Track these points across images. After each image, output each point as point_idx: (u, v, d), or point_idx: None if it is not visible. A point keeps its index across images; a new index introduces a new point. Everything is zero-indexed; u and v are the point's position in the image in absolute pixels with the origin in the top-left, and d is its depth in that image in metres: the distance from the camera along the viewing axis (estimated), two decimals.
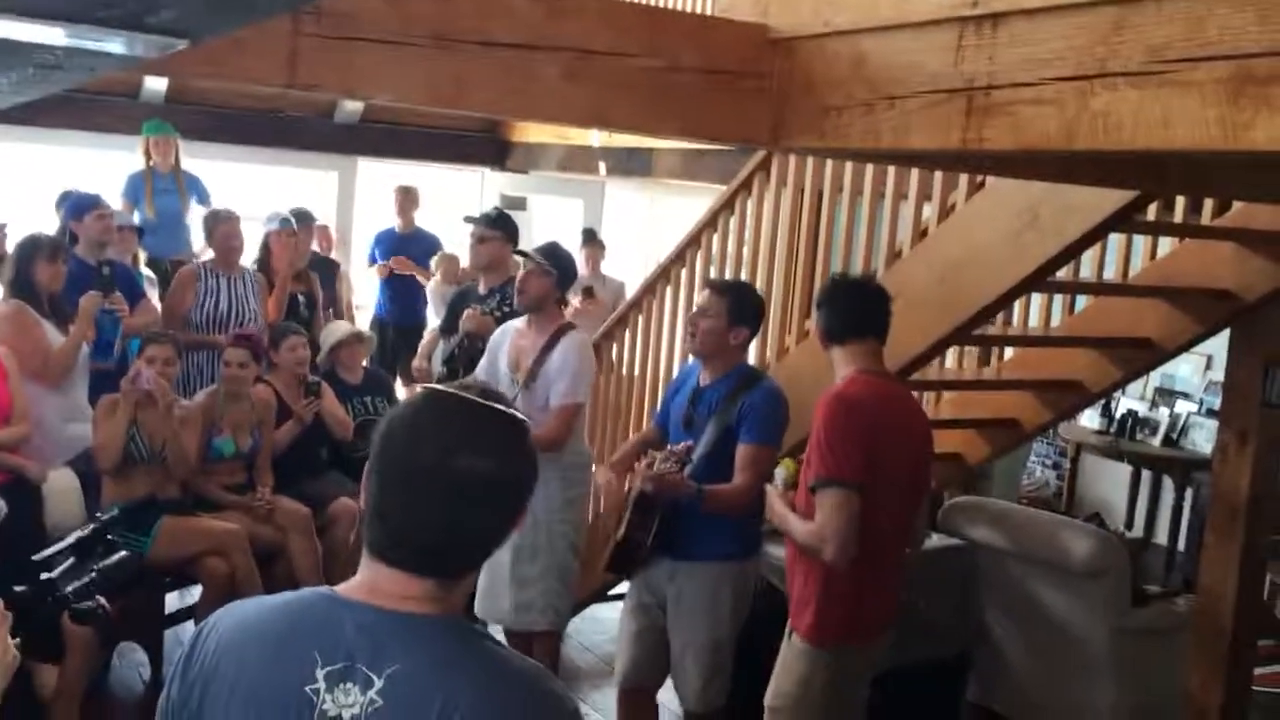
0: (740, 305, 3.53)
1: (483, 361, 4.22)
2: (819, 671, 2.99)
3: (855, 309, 3.06)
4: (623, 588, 4.38)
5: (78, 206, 5.05)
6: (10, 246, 4.92)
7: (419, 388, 1.43)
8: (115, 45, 1.41)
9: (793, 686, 3.03)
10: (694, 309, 3.76)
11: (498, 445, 1.36)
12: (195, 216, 6.45)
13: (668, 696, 3.78)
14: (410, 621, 1.33)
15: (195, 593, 4.72)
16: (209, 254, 5.61)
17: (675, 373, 4.76)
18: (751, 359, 4.39)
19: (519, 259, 4.27)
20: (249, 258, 5.67)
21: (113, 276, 4.90)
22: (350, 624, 1.32)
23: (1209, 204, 3.90)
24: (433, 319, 7.26)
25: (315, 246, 6.83)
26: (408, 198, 7.58)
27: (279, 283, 5.57)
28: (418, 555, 1.34)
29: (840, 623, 2.96)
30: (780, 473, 3.14)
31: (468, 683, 1.30)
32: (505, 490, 1.37)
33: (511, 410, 1.39)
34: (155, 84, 7.70)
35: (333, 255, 7.22)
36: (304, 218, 6.34)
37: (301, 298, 5.72)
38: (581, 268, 7.54)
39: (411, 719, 1.28)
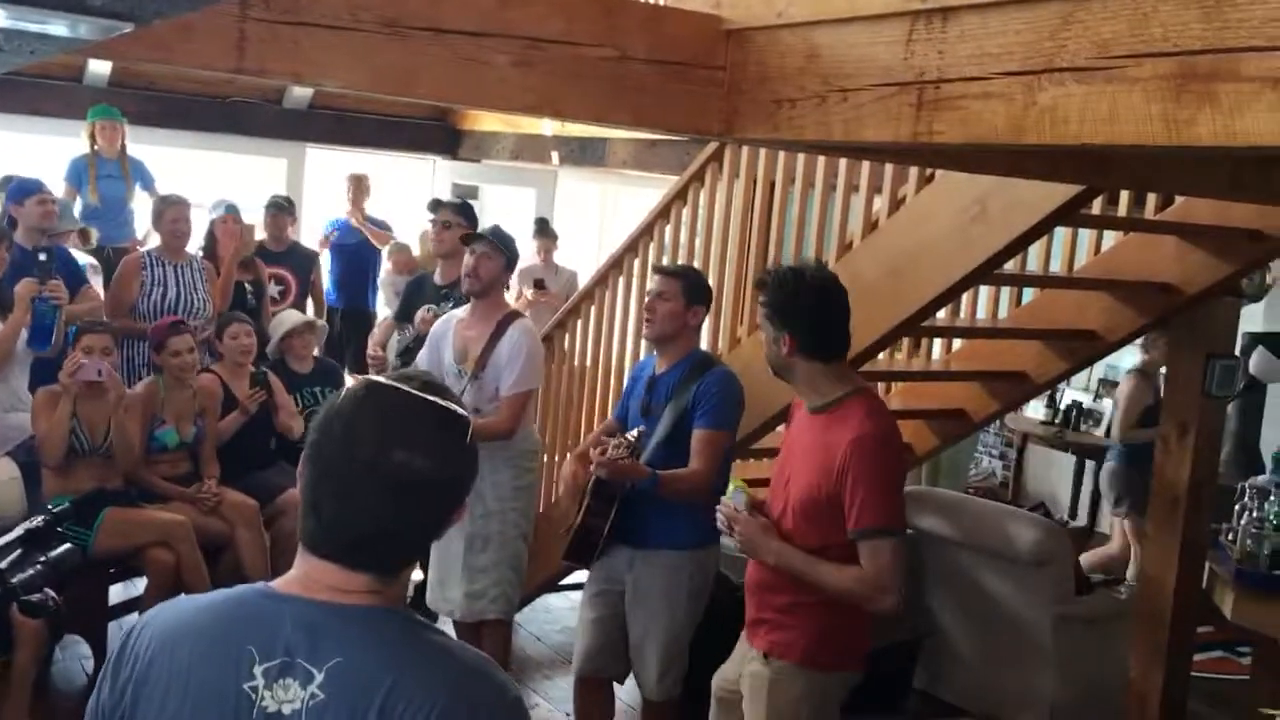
0: (694, 286, 3.59)
1: (423, 353, 4.18)
2: (814, 693, 2.85)
3: (844, 319, 2.80)
4: (575, 577, 4.40)
5: (19, 191, 4.96)
6: None
7: (363, 378, 1.41)
8: (58, 27, 1.38)
9: (787, 711, 2.84)
10: (646, 296, 3.76)
11: (436, 442, 1.34)
12: (139, 203, 6.35)
13: (622, 686, 3.78)
14: (349, 613, 1.31)
15: (140, 585, 4.66)
16: (154, 240, 5.52)
17: (629, 362, 4.77)
18: (704, 349, 4.41)
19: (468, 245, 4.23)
20: (195, 245, 5.59)
21: (52, 262, 4.81)
22: (287, 619, 1.31)
23: (1152, 199, 3.97)
24: (382, 307, 7.22)
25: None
26: (359, 186, 7.52)
27: (224, 271, 5.50)
28: (352, 550, 1.33)
29: (843, 647, 2.86)
30: (740, 498, 2.85)
31: (410, 673, 1.28)
32: (442, 487, 1.36)
33: (452, 405, 1.37)
34: (99, 67, 7.57)
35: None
36: (282, 205, 6.30)
37: (249, 287, 5.65)
38: (533, 258, 7.54)
39: (354, 711, 1.26)
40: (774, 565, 2.81)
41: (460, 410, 1.38)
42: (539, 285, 7.19)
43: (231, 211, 5.71)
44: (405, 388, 1.35)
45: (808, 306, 2.77)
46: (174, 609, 1.39)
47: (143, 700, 1.32)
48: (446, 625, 3.92)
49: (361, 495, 1.32)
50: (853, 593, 2.71)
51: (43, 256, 4.76)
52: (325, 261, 7.18)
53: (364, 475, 1.31)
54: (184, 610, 1.37)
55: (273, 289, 6.00)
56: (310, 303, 6.36)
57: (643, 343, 4.55)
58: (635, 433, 3.44)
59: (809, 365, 2.78)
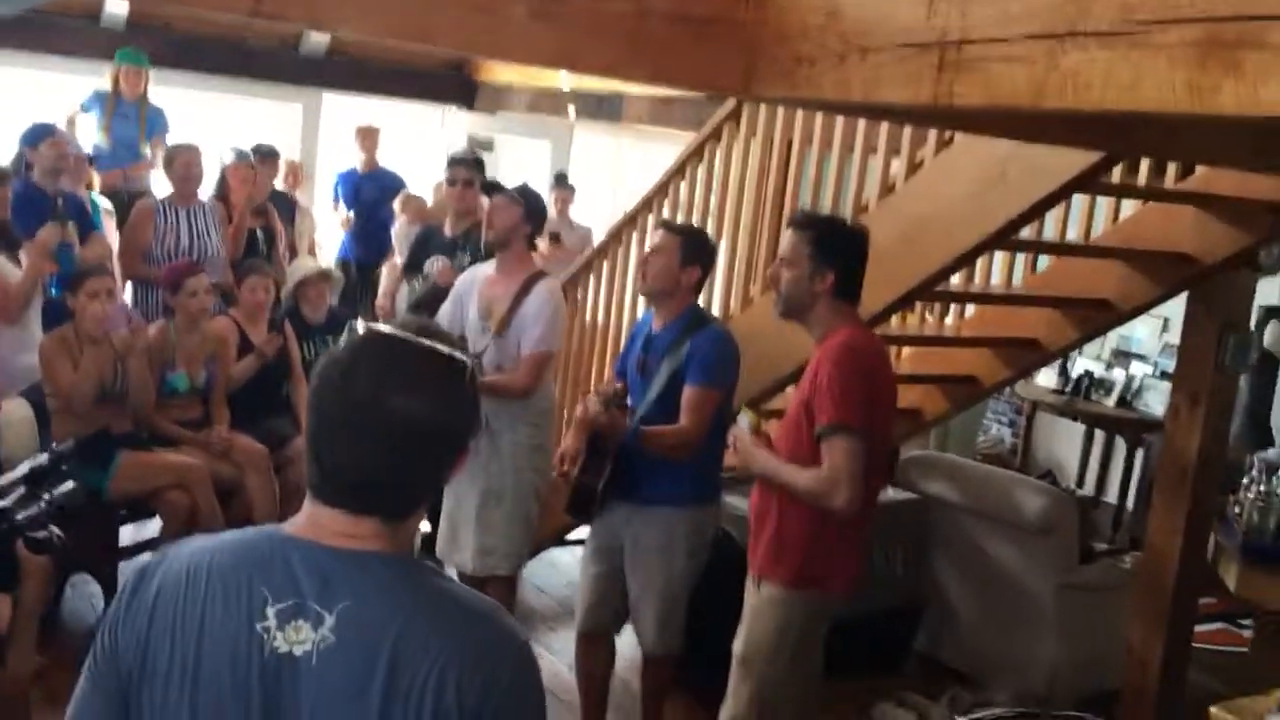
0: (693, 245, 3.55)
1: (446, 306, 4.18)
2: (796, 616, 2.99)
3: (864, 266, 3.01)
4: (580, 533, 4.42)
5: (34, 134, 4.97)
6: None
7: (361, 325, 1.41)
8: None
9: (766, 634, 3.00)
10: (645, 250, 3.77)
11: (433, 386, 1.34)
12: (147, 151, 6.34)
13: (623, 641, 3.82)
14: (358, 558, 1.33)
15: (151, 526, 4.71)
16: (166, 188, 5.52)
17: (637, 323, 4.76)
18: (716, 309, 4.40)
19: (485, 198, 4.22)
20: (208, 191, 5.60)
21: (66, 207, 4.82)
22: (298, 562, 1.32)
23: (1172, 168, 3.93)
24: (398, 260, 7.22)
25: (282, 183, 6.75)
26: (368, 138, 7.49)
27: (236, 217, 5.50)
28: (354, 494, 1.34)
29: (824, 568, 2.96)
30: (744, 420, 3.09)
31: (419, 618, 1.30)
32: (442, 432, 1.36)
33: (451, 350, 1.37)
34: (117, 8, 7.52)
35: (297, 192, 7.13)
36: (268, 154, 6.26)
37: (260, 233, 5.66)
38: (550, 211, 7.51)
39: (364, 655, 1.28)
40: (759, 473, 3.01)
41: (459, 355, 1.37)
42: (554, 239, 7.17)
43: (245, 158, 5.70)
44: (402, 334, 1.35)
45: (853, 250, 2.98)
46: (187, 549, 1.40)
47: (155, 636, 1.33)
48: (452, 574, 3.95)
49: (361, 441, 1.32)
50: (811, 491, 2.86)
51: (59, 202, 4.78)
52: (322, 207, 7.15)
53: (363, 422, 1.32)
54: (199, 550, 1.39)
55: None
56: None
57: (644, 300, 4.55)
58: (617, 386, 3.45)
59: (831, 303, 2.95)
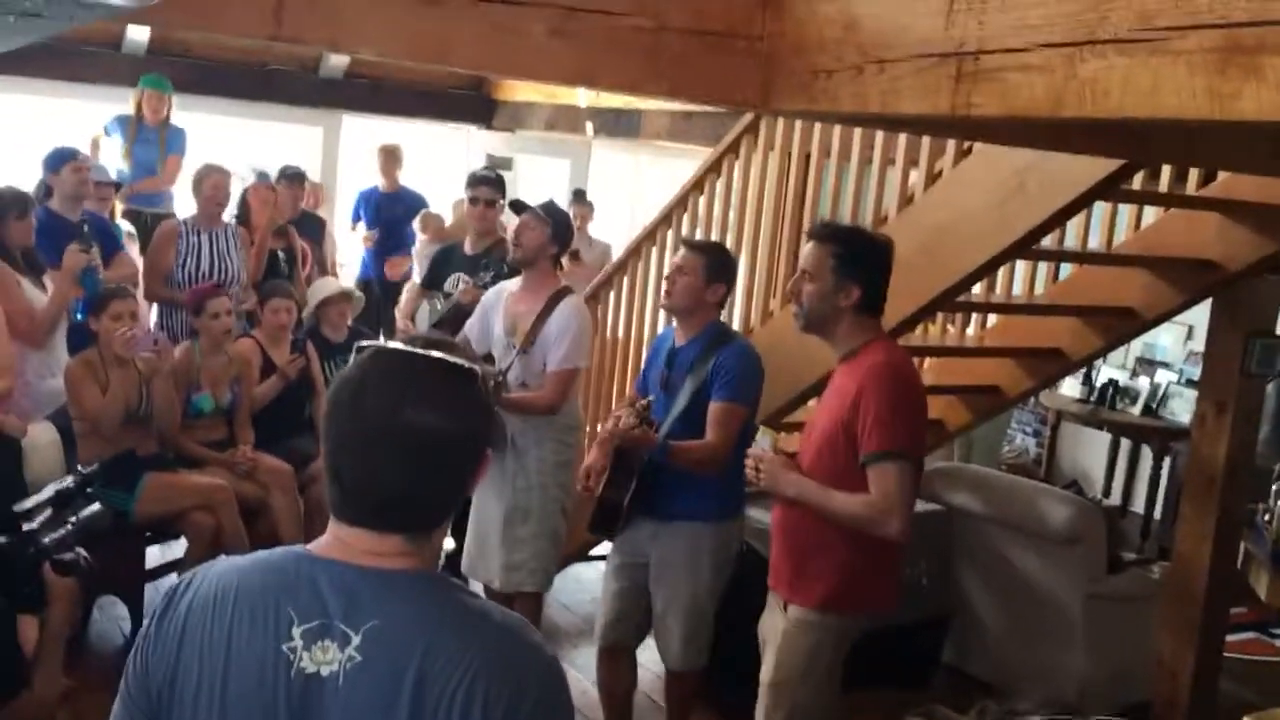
0: (717, 262, 3.54)
1: (472, 322, 4.19)
2: (828, 638, 2.91)
3: (888, 279, 2.91)
4: (604, 548, 4.41)
5: (55, 159, 5.00)
6: None
7: (367, 345, 1.40)
8: None
9: (798, 658, 2.91)
10: (668, 268, 3.76)
11: (445, 397, 1.34)
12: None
13: (648, 656, 3.81)
14: (384, 577, 1.33)
15: (177, 547, 4.73)
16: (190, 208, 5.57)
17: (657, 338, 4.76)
18: (736, 323, 4.40)
19: (508, 216, 4.24)
20: (229, 213, 5.63)
21: (91, 230, 4.86)
22: (325, 582, 1.32)
23: (1194, 174, 3.91)
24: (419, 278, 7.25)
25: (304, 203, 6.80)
26: (391, 158, 7.53)
27: (258, 239, 5.53)
28: (377, 513, 1.34)
29: (860, 591, 2.89)
30: (765, 441, 2.99)
31: (446, 637, 1.30)
32: (458, 443, 1.36)
33: (459, 360, 1.36)
34: (138, 34, 7.60)
35: (318, 212, 7.18)
36: (295, 176, 6.31)
37: (281, 254, 5.69)
38: None
39: (391, 673, 1.28)
40: (792, 497, 2.88)
41: (468, 364, 1.37)
42: (574, 256, 7.19)
43: (264, 179, 5.74)
44: (408, 349, 1.36)
45: (878, 263, 2.89)
46: (217, 569, 1.41)
47: (184, 657, 1.34)
48: (478, 590, 3.95)
49: (378, 459, 1.33)
50: (859, 517, 2.77)
51: (85, 226, 4.82)
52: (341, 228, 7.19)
53: (378, 439, 1.32)
54: (226, 571, 1.39)
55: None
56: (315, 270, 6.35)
57: (670, 315, 4.55)
58: (645, 401, 3.44)
59: (856, 319, 2.88)
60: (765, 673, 3.00)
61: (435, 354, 1.35)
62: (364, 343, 1.40)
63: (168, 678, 1.35)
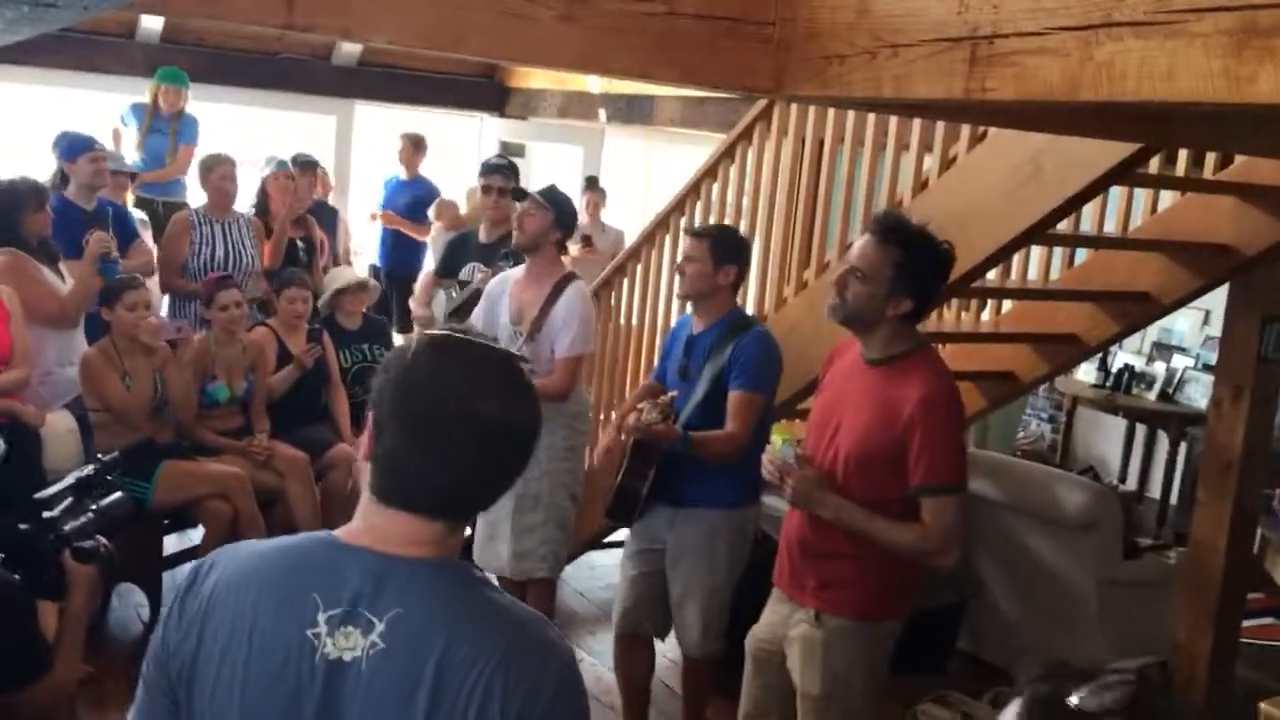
0: (722, 245, 3.52)
1: (478, 310, 4.20)
2: (876, 642, 2.86)
3: (943, 287, 2.80)
4: (619, 535, 4.42)
5: (72, 148, 5.01)
6: None
7: (422, 333, 1.42)
8: None
9: (848, 667, 2.82)
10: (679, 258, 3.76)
11: (513, 391, 1.38)
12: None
13: (664, 644, 3.82)
14: (412, 566, 1.34)
15: (194, 535, 4.76)
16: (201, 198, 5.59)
17: (674, 321, 4.76)
18: (749, 309, 4.39)
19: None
20: (246, 202, 5.65)
21: (108, 219, 4.87)
22: (352, 569, 1.34)
23: (1211, 158, 3.88)
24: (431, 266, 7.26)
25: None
26: (416, 148, 7.50)
27: (277, 228, 5.54)
28: (436, 499, 1.36)
29: (896, 597, 2.86)
30: (788, 451, 2.79)
31: (468, 628, 1.31)
32: (523, 434, 1.39)
33: (517, 355, 1.42)
34: (151, 23, 7.62)
35: (330, 200, 7.19)
36: (308, 164, 6.32)
37: (300, 243, 5.70)
38: (582, 215, 7.53)
39: (412, 662, 1.29)
40: (830, 519, 2.75)
41: (522, 359, 1.43)
42: (586, 241, 7.19)
43: (283, 168, 5.75)
44: (478, 340, 1.40)
45: (939, 276, 2.75)
46: (241, 551, 1.42)
47: (206, 638, 1.35)
48: (492, 580, 3.97)
49: (451, 447, 1.34)
50: (913, 549, 2.69)
51: (109, 212, 4.83)
52: (356, 216, 7.21)
53: (453, 427, 1.34)
54: (251, 554, 1.41)
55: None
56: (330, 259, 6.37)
57: (685, 302, 4.55)
58: (669, 396, 3.44)
59: (899, 325, 2.74)
60: (808, 684, 2.85)
61: (498, 348, 1.40)
62: (439, 331, 1.42)
63: (189, 659, 1.36)
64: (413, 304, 5.54)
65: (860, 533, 2.72)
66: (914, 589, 2.91)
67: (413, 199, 7.34)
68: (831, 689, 2.83)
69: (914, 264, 2.68)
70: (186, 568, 4.43)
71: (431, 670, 1.28)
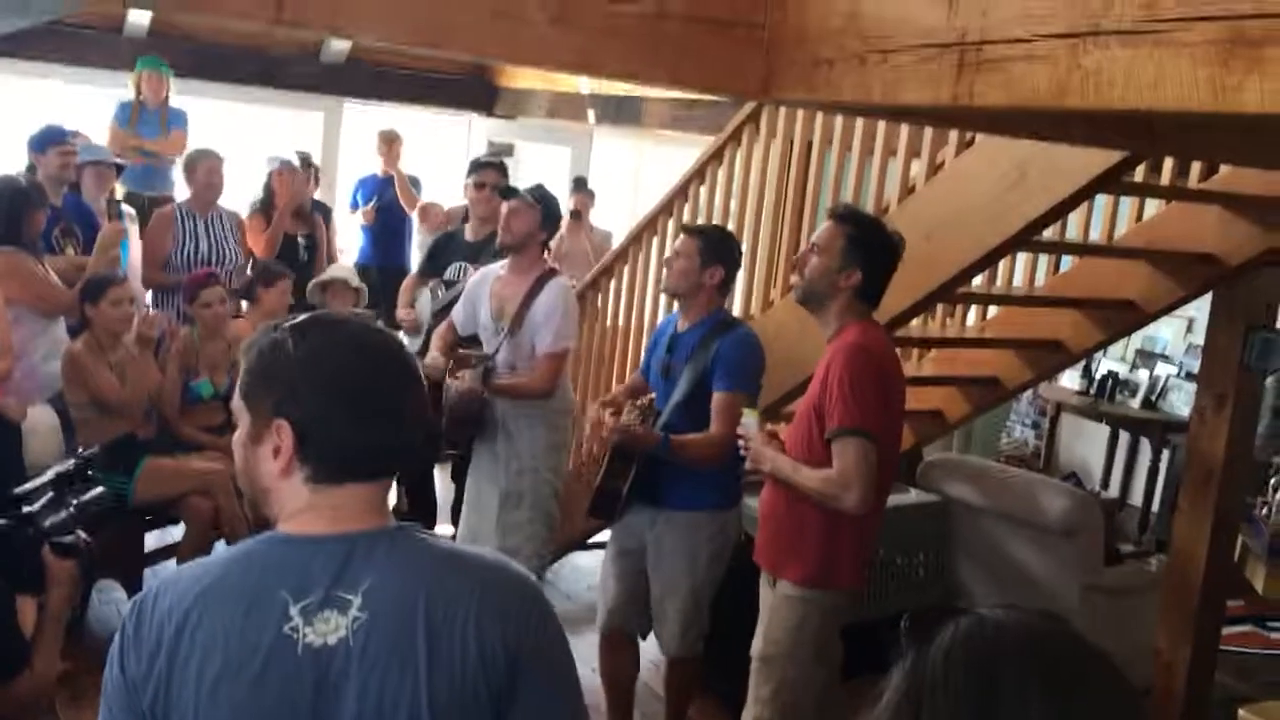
0: (713, 245, 3.52)
1: (458, 307, 4.19)
2: (813, 614, 2.99)
3: (891, 273, 3.01)
4: (602, 536, 4.41)
5: (42, 140, 4.97)
6: None
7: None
8: None
9: (785, 633, 3.01)
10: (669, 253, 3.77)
11: (390, 336, 1.49)
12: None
13: (648, 645, 3.81)
14: (370, 538, 1.37)
15: (175, 532, 4.74)
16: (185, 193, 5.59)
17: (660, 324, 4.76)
18: (736, 310, 4.39)
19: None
20: (239, 198, 5.66)
21: (70, 213, 4.89)
22: (311, 556, 1.35)
23: (1196, 167, 3.90)
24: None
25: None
26: (391, 146, 7.52)
27: (275, 219, 5.56)
28: (383, 460, 1.42)
29: (840, 566, 2.98)
30: (750, 423, 3.10)
31: (442, 578, 1.36)
32: (418, 369, 1.49)
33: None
34: (139, 18, 7.59)
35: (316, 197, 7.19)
36: (305, 161, 6.34)
37: (303, 240, 5.72)
38: (567, 217, 7.55)
39: (400, 624, 1.31)
40: (769, 472, 3.01)
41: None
42: (575, 216, 7.23)
43: (288, 165, 5.79)
44: (324, 314, 1.49)
45: (886, 255, 2.97)
46: (186, 574, 1.41)
47: (178, 668, 1.32)
48: None
49: (393, 402, 1.40)
50: (820, 492, 2.87)
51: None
52: (341, 214, 7.22)
53: (387, 384, 1.40)
54: (198, 573, 1.39)
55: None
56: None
57: (671, 302, 4.56)
58: (648, 398, 3.44)
59: (850, 302, 2.95)
60: (755, 646, 3.09)
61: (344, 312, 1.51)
62: (324, 313, 1.50)
63: (160, 688, 1.33)
64: (399, 309, 5.53)
65: (787, 480, 2.94)
66: (860, 555, 3.04)
67: (394, 195, 7.34)
68: (774, 651, 3.02)
69: (863, 238, 2.96)
70: (165, 567, 4.39)
71: (422, 625, 1.31)
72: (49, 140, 4.95)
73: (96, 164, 5.29)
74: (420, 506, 5.24)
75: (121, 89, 6.58)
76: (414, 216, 7.22)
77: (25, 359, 4.31)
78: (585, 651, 4.37)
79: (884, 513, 3.11)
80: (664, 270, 3.68)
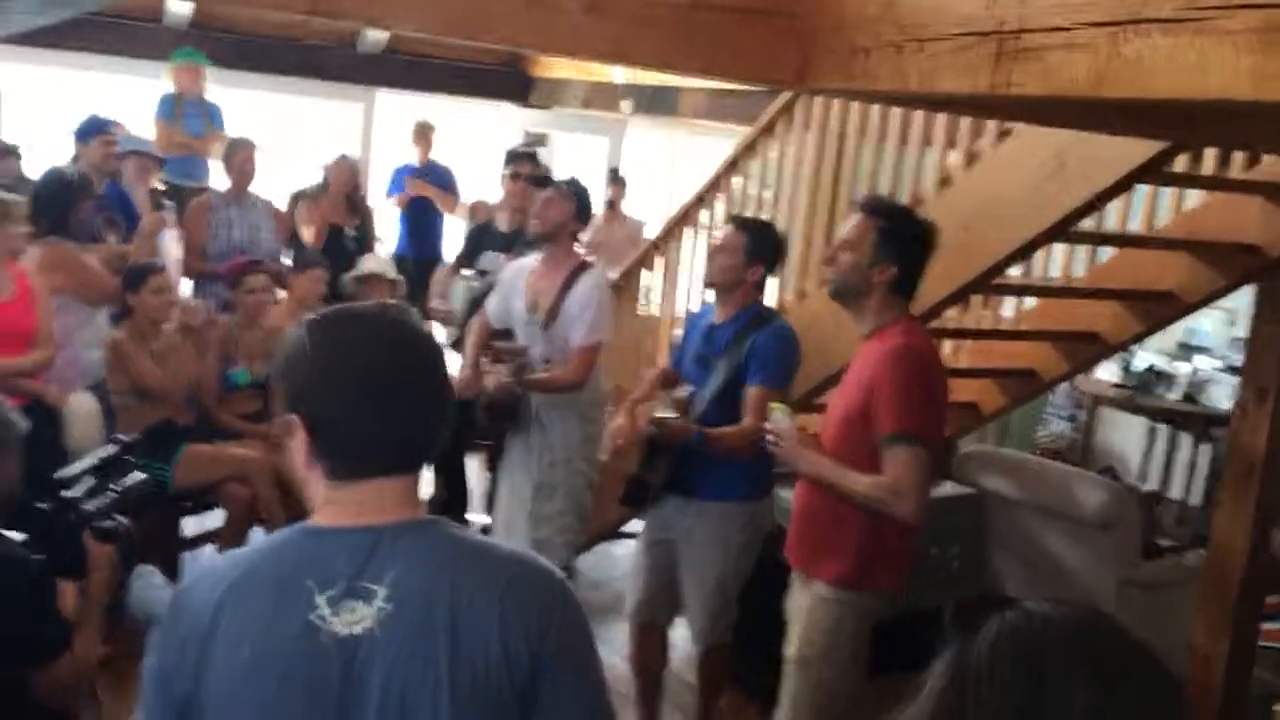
0: (759, 243, 3.50)
1: (492, 299, 4.20)
2: (849, 616, 2.92)
3: (926, 264, 2.90)
4: (632, 525, 4.43)
5: (86, 130, 5.05)
6: (27, 172, 4.94)
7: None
8: None
9: (820, 634, 2.93)
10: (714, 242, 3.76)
11: (415, 326, 1.46)
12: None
13: (679, 634, 3.82)
14: (395, 530, 1.37)
15: (213, 518, 4.79)
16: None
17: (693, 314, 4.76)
18: (771, 302, 4.38)
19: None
20: (275, 189, 5.74)
21: (113, 203, 4.96)
22: (338, 547, 1.36)
23: (1238, 157, 3.85)
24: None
25: None
26: (424, 135, 7.56)
27: (323, 207, 5.64)
28: (406, 453, 1.41)
29: (879, 568, 2.91)
30: (779, 418, 2.95)
31: (468, 569, 1.36)
32: (442, 360, 1.47)
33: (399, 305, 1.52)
34: (179, 9, 7.66)
35: None
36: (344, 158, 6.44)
37: (352, 232, 5.79)
38: (601, 207, 7.56)
39: (425, 614, 1.32)
40: (807, 473, 2.92)
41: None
42: (610, 206, 7.24)
43: (343, 158, 5.92)
44: (355, 306, 1.50)
45: (920, 247, 2.87)
46: (222, 566, 1.44)
47: (209, 658, 1.34)
48: None
49: (412, 395, 1.39)
50: (870, 497, 2.78)
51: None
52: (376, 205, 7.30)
53: (406, 376, 1.39)
54: (234, 566, 1.41)
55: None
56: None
57: (707, 293, 4.55)
58: (685, 392, 3.43)
59: (885, 297, 2.86)
60: (790, 648, 3.02)
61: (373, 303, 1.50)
62: (341, 307, 1.50)
63: (192, 677, 1.35)
64: (431, 300, 5.57)
65: (831, 484, 2.84)
66: (901, 564, 2.96)
67: (432, 182, 7.38)
68: (809, 653, 2.95)
69: (895, 231, 2.85)
70: (204, 553, 4.42)
71: (445, 616, 1.32)
72: (92, 130, 5.03)
73: (138, 154, 5.36)
74: (452, 495, 5.27)
75: (161, 80, 6.65)
76: (459, 213, 7.26)
77: (69, 347, 4.37)
78: (612, 639, 4.40)
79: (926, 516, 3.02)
80: (706, 261, 3.66)
